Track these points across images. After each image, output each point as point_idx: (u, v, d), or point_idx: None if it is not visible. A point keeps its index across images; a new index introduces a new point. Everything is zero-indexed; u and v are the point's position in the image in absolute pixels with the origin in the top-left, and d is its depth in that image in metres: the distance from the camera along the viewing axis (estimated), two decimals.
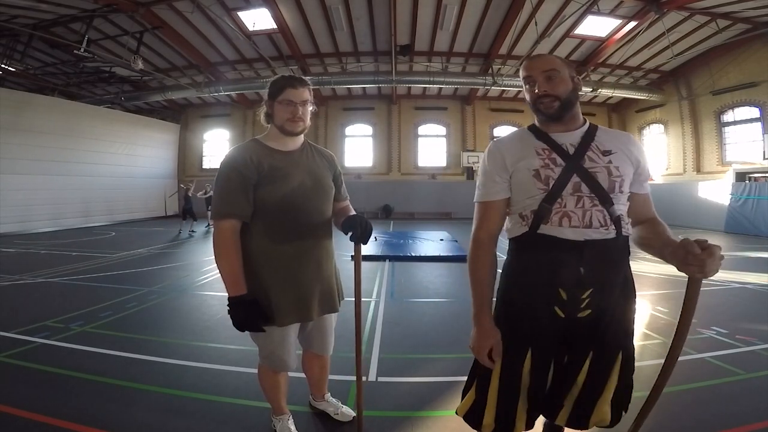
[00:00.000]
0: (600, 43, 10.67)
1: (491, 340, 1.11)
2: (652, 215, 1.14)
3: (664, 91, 13.13)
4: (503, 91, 14.40)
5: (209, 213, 10.23)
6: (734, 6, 8.59)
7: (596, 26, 9.94)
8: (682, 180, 12.64)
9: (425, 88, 14.31)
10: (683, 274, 0.93)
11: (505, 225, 1.18)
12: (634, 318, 1.15)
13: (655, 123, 14.20)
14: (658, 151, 13.98)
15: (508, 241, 1.18)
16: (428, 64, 12.13)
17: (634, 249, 1.14)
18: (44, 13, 8.51)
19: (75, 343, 2.73)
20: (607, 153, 1.08)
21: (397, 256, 6.33)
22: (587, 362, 1.11)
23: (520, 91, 14.28)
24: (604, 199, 1.05)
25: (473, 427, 1.21)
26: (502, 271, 1.20)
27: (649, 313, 3.49)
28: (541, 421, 1.29)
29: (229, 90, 12.77)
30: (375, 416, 1.86)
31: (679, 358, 1.03)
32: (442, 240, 8.15)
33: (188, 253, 7.05)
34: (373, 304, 3.84)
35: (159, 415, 1.86)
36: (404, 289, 4.50)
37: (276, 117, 1.44)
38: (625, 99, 14.31)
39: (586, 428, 1.18)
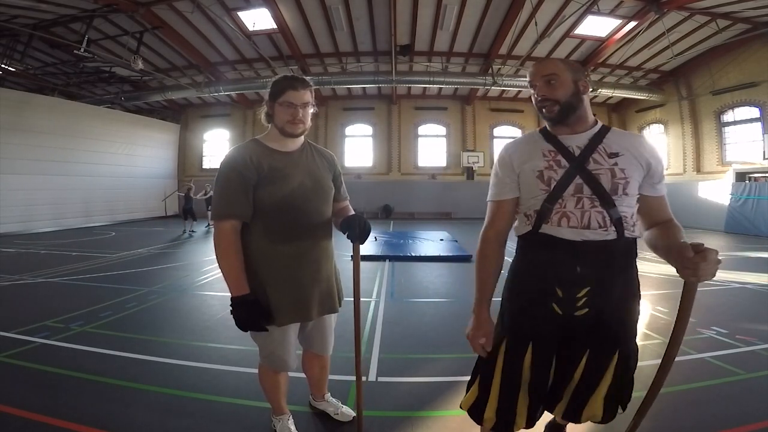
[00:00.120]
0: (600, 43, 10.66)
1: (484, 330, 1.18)
2: (668, 218, 1.14)
3: (664, 91, 13.12)
4: (503, 91, 14.40)
5: (209, 213, 10.23)
6: (734, 6, 8.59)
7: (596, 26, 9.93)
8: (682, 180, 12.62)
9: (425, 88, 14.31)
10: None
11: (514, 224, 1.22)
12: (636, 319, 1.16)
13: (655, 123, 14.18)
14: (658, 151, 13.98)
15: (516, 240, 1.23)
16: (428, 64, 12.12)
17: (640, 249, 1.14)
18: (44, 13, 8.51)
19: (75, 343, 2.73)
20: (613, 155, 1.08)
21: (397, 256, 6.34)
22: (584, 359, 1.14)
23: (520, 91, 14.32)
24: (606, 200, 1.05)
25: (476, 421, 1.24)
26: (510, 267, 1.24)
27: (649, 313, 3.49)
28: (542, 421, 1.31)
29: (229, 90, 12.77)
30: (375, 416, 1.86)
31: (679, 358, 1.04)
32: (442, 240, 8.16)
33: (188, 253, 7.05)
34: (373, 304, 3.85)
35: (159, 415, 1.87)
36: (404, 289, 4.50)
37: (276, 118, 1.44)
38: (625, 99, 14.30)
39: (579, 422, 1.23)
